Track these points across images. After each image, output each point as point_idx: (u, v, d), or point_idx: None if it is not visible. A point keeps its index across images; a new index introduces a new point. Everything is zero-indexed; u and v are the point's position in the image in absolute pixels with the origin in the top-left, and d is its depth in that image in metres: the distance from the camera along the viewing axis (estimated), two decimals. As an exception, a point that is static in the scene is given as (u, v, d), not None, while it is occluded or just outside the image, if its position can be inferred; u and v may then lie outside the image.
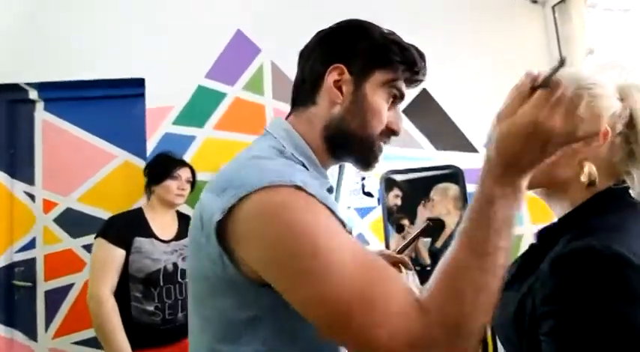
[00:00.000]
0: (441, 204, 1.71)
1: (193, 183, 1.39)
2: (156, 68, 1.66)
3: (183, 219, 1.37)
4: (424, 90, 1.72)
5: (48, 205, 1.70)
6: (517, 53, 1.68)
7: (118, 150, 1.72)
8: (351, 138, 0.50)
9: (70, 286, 1.64)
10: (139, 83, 1.66)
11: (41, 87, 1.68)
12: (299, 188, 0.39)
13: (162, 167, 1.33)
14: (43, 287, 1.66)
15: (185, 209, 1.45)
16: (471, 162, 1.65)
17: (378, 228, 1.68)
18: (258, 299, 0.42)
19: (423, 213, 1.67)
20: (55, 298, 1.65)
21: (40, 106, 1.74)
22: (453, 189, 1.63)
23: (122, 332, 1.12)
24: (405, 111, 1.71)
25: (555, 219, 0.52)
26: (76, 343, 1.61)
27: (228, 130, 1.67)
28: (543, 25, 1.76)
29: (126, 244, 1.20)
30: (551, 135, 0.35)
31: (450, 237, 1.74)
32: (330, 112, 0.50)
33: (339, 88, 0.49)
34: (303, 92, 0.52)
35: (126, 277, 1.20)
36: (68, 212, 1.69)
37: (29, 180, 1.70)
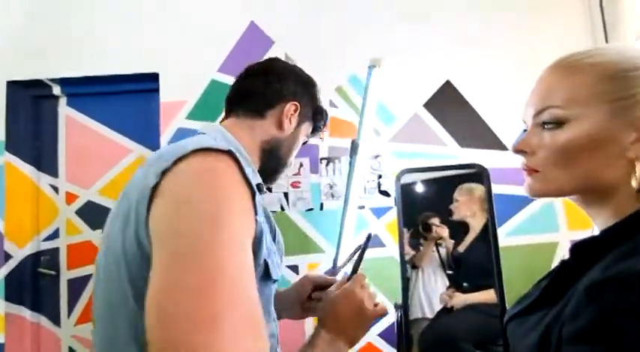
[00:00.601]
0: (466, 205, 1.57)
1: None
2: (170, 63, 1.65)
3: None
4: (447, 83, 1.59)
5: (70, 197, 1.75)
6: (556, 40, 1.49)
7: (134, 145, 1.74)
8: (276, 158, 0.63)
9: (90, 276, 1.70)
10: (154, 78, 1.65)
11: (63, 82, 1.72)
12: (231, 154, 0.41)
13: None
14: (66, 275, 1.73)
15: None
16: (499, 161, 1.51)
17: (395, 229, 1.59)
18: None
19: (437, 221, 1.55)
20: (77, 286, 1.71)
21: (63, 102, 1.79)
22: (478, 189, 1.50)
23: None
24: (426, 104, 1.59)
25: (596, 231, 0.42)
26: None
27: (240, 125, 1.63)
28: (586, 9, 1.56)
29: None
30: (362, 305, 0.55)
31: (475, 241, 1.61)
32: (273, 132, 0.61)
33: (289, 120, 0.61)
34: (252, 104, 0.61)
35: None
36: (88, 204, 1.74)
37: (53, 172, 1.76)
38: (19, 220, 1.69)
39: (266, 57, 1.64)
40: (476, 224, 1.57)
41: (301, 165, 1.63)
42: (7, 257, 1.65)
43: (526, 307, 0.41)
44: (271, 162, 0.62)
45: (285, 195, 1.62)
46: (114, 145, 1.74)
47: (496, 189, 1.52)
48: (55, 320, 1.71)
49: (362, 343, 1.55)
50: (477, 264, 1.56)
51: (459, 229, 1.56)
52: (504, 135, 1.55)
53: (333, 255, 1.45)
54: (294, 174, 1.63)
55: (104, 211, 1.70)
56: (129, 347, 0.39)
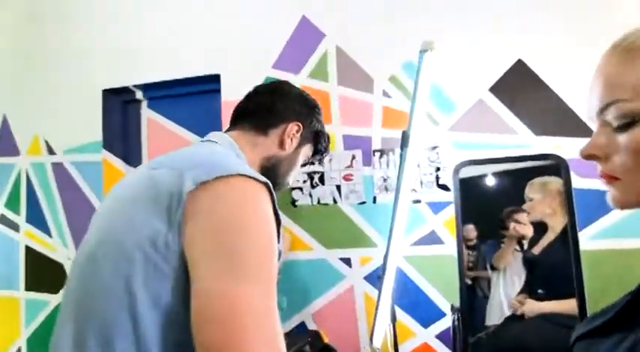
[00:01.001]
0: (543, 203, 1.38)
1: None
2: (229, 63, 1.75)
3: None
4: (519, 62, 1.39)
5: (152, 188, 2.00)
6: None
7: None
8: (275, 175, 0.65)
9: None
10: (216, 79, 1.77)
11: (144, 88, 1.96)
12: (267, 186, 0.47)
13: None
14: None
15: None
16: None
17: (454, 226, 1.48)
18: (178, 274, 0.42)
19: (522, 218, 1.38)
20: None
21: (144, 105, 2.04)
22: (553, 182, 1.30)
23: None
24: (493, 88, 1.43)
25: None
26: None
27: (294, 120, 1.67)
28: None
29: None
30: None
31: (554, 243, 1.40)
32: (274, 150, 0.65)
33: (291, 139, 0.66)
34: (257, 121, 0.66)
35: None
36: (166, 195, 1.97)
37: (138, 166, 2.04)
38: (115, 207, 1.99)
39: (318, 50, 1.67)
40: (555, 223, 1.36)
41: (354, 157, 1.61)
42: (107, 238, 1.96)
43: (599, 327, 0.35)
44: (269, 179, 0.57)
45: (338, 187, 1.62)
46: (185, 142, 1.93)
47: (579, 183, 1.31)
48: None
49: (417, 343, 1.49)
50: (554, 268, 1.36)
51: (535, 227, 1.38)
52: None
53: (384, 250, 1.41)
54: (346, 167, 1.61)
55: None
56: (122, 321, 0.41)
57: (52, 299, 2.02)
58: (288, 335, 1.50)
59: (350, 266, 1.59)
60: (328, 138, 0.71)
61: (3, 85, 2.19)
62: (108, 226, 0.48)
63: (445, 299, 1.46)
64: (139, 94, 1.99)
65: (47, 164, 2.05)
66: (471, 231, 1.50)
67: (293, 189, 1.65)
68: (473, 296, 1.43)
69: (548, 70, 1.37)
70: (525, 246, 1.38)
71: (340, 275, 1.59)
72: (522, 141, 1.41)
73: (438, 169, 1.52)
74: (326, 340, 1.45)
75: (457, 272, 1.32)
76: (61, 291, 2.01)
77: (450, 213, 1.47)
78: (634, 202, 0.34)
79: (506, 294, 1.41)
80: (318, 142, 0.70)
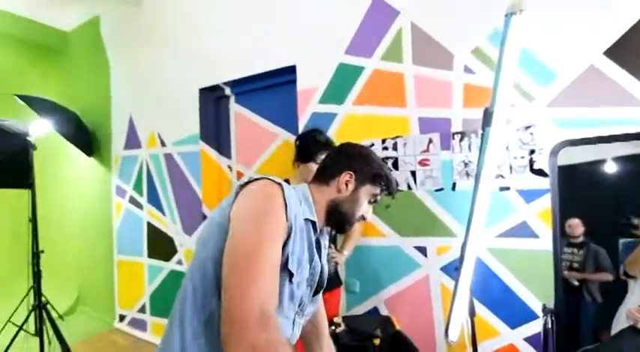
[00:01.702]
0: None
1: None
2: (303, 54, 1.80)
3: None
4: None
5: (239, 174, 2.22)
6: None
7: (280, 130, 2.02)
8: (342, 213, 0.80)
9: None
10: (292, 70, 1.85)
11: (231, 84, 2.16)
12: (280, 185, 0.69)
13: (309, 149, 1.40)
14: (238, 235, 2.22)
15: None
16: None
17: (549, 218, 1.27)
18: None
19: None
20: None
21: (232, 100, 2.25)
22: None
23: None
24: (609, 51, 1.16)
25: None
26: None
27: (366, 104, 1.63)
28: None
29: None
30: None
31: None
32: (334, 195, 0.81)
33: (346, 185, 0.80)
34: (325, 176, 0.82)
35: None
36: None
37: (229, 155, 2.27)
38: (210, 191, 2.27)
39: (392, 30, 1.59)
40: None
41: (430, 141, 1.50)
42: (204, 217, 2.26)
43: None
44: (335, 217, 0.80)
45: (413, 173, 1.54)
46: (266, 132, 2.08)
47: None
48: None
49: (502, 343, 1.35)
50: None
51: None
52: None
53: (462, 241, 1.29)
54: (422, 151, 1.52)
55: (261, 186, 2.09)
56: (211, 273, 0.66)
57: (166, 266, 2.43)
58: (360, 318, 1.52)
59: (425, 256, 1.51)
60: (388, 178, 0.84)
61: (128, 91, 2.67)
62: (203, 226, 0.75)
63: (538, 299, 1.28)
64: (227, 90, 2.21)
65: (160, 155, 2.45)
66: (577, 226, 1.27)
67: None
68: (575, 301, 1.21)
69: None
70: None
71: (415, 264, 1.53)
72: (653, 114, 1.11)
73: (532, 152, 1.32)
74: (398, 326, 1.42)
75: (552, 270, 1.13)
76: (173, 259, 2.40)
77: (546, 202, 1.27)
78: None
79: (634, 303, 1.15)
80: (376, 182, 0.83)
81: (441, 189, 1.48)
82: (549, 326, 1.08)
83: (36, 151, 2.15)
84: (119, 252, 2.74)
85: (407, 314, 1.53)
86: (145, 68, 2.55)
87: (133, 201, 2.63)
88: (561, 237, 1.17)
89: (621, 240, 1.16)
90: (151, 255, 2.53)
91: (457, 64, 1.42)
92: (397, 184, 0.89)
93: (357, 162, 0.82)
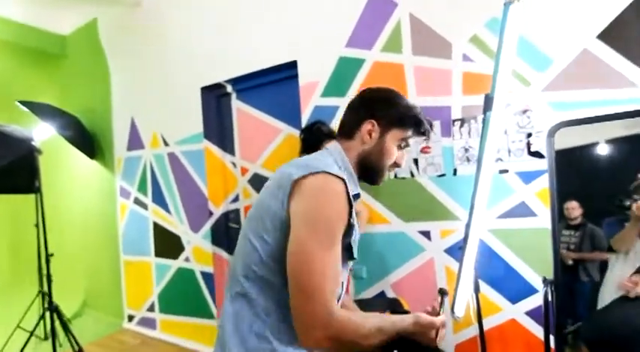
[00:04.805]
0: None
1: None
2: (304, 49, 1.82)
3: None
4: (639, -2, 1.13)
5: (243, 170, 2.23)
6: None
7: (283, 125, 2.03)
8: (370, 166, 0.77)
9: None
10: (293, 65, 1.86)
11: (233, 82, 2.17)
12: (342, 180, 0.66)
13: (314, 140, 1.40)
14: (244, 229, 2.23)
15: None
16: None
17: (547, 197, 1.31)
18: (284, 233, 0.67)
19: None
20: (252, 238, 2.19)
21: (234, 97, 2.26)
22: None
23: None
24: (603, 34, 1.20)
25: None
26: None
27: (367, 96, 1.65)
28: None
29: None
30: (428, 334, 0.72)
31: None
32: (360, 148, 0.77)
33: (370, 135, 0.76)
34: (346, 130, 0.78)
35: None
36: (255, 175, 2.17)
37: (232, 152, 2.28)
38: (215, 188, 2.28)
39: (391, 22, 1.62)
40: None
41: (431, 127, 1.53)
42: (210, 214, 2.26)
43: None
44: (366, 170, 0.78)
45: (415, 161, 1.57)
46: (269, 127, 2.09)
47: None
48: (241, 261, 2.25)
49: (504, 318, 1.38)
50: None
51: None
52: None
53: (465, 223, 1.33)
54: (424, 139, 1.55)
55: (265, 180, 2.09)
56: (255, 263, 0.68)
57: (173, 264, 2.44)
58: (370, 301, 1.55)
59: (429, 239, 1.54)
60: (418, 118, 0.76)
61: (130, 93, 2.67)
62: (255, 205, 0.74)
63: (537, 274, 1.32)
64: (229, 88, 2.22)
65: (164, 154, 2.45)
66: (574, 209, 1.30)
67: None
68: (573, 280, 1.25)
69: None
70: None
71: (419, 248, 1.56)
72: (644, 93, 1.15)
73: (529, 135, 1.35)
74: (406, 307, 1.45)
75: (551, 246, 1.17)
76: (180, 257, 2.41)
77: (544, 183, 1.30)
78: None
79: (624, 276, 1.19)
80: (404, 125, 0.76)
81: (443, 175, 1.51)
82: (549, 297, 1.11)
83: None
84: (125, 253, 2.73)
85: (414, 296, 1.56)
86: (145, 69, 2.55)
87: (137, 201, 2.62)
88: (559, 217, 1.20)
89: (606, 219, 1.20)
90: (158, 254, 2.53)
91: (455, 52, 1.45)
92: (431, 125, 0.81)
93: (379, 107, 0.76)
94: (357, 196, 0.74)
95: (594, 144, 1.19)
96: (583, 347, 1.26)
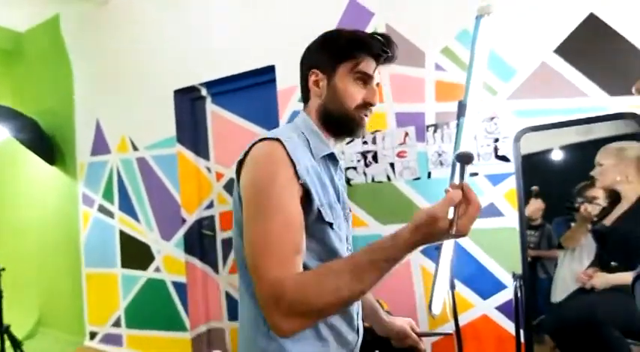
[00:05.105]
0: (615, 169, 1.25)
1: None
2: (283, 53, 1.82)
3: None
4: (591, 17, 1.26)
5: (219, 175, 2.17)
6: None
7: (260, 129, 2.02)
8: (333, 116, 0.68)
9: (235, 237, 2.09)
10: (271, 70, 1.86)
11: (208, 85, 2.12)
12: (280, 142, 0.59)
13: None
14: (220, 236, 2.17)
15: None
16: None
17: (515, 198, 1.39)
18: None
19: (594, 194, 1.26)
20: (228, 245, 2.13)
21: (209, 100, 2.21)
22: (631, 148, 1.16)
23: None
24: (559, 49, 1.31)
25: None
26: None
27: (345, 102, 1.69)
28: None
29: None
30: (437, 229, 0.52)
31: (629, 213, 1.26)
32: (316, 103, 0.69)
33: (317, 85, 0.69)
34: (302, 96, 0.74)
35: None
36: (232, 181, 2.12)
37: (207, 157, 2.22)
38: (189, 194, 2.20)
39: (368, 30, 1.67)
40: (629, 192, 1.23)
41: (407, 134, 1.59)
42: (183, 221, 2.18)
43: None
44: (332, 123, 0.69)
45: (392, 165, 1.62)
46: (246, 132, 2.06)
47: (668, 143, 1.15)
48: (215, 269, 2.18)
49: (476, 314, 1.44)
50: (628, 240, 1.23)
51: (606, 197, 1.25)
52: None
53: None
54: (399, 144, 1.60)
55: (242, 186, 2.06)
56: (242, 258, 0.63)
57: (142, 275, 2.31)
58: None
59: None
60: (361, 39, 0.65)
61: (95, 95, 2.52)
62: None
63: (506, 271, 1.39)
64: (203, 91, 2.17)
65: (133, 159, 2.33)
66: (536, 210, 1.41)
67: (347, 168, 1.68)
68: (535, 277, 1.35)
69: (625, 20, 1.22)
70: (595, 219, 1.27)
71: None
72: (595, 103, 1.27)
73: (496, 140, 1.44)
74: (385, 307, 1.47)
75: (519, 244, 1.25)
76: (150, 267, 2.28)
77: (511, 184, 1.39)
78: None
79: (573, 271, 1.31)
80: (347, 54, 0.65)
81: (418, 178, 1.56)
82: (519, 292, 1.18)
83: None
84: (87, 265, 2.55)
85: (391, 296, 1.58)
86: (113, 69, 2.43)
87: (102, 209, 2.47)
88: (527, 221, 1.29)
89: (555, 219, 1.31)
90: (125, 265, 2.39)
91: (429, 62, 1.52)
92: (388, 41, 0.67)
93: (314, 53, 0.70)
94: (331, 156, 0.68)
95: (551, 150, 1.29)
96: (547, 338, 1.35)
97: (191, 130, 2.21)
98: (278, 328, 0.52)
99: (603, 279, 1.21)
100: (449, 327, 1.44)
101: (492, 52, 1.39)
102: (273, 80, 1.86)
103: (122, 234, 2.39)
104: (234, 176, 0.65)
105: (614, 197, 1.25)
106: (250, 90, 2.02)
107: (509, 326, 1.38)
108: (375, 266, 0.53)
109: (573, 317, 1.29)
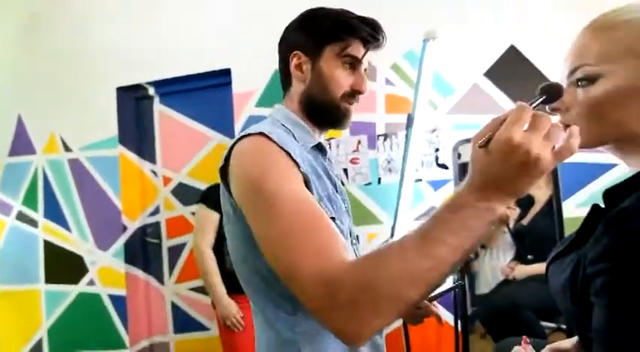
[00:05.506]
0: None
1: None
2: (239, 57, 1.81)
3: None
4: (511, 48, 1.49)
5: (166, 180, 2.05)
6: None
7: (213, 133, 1.96)
8: (317, 104, 0.61)
9: (184, 244, 1.98)
10: (227, 73, 1.83)
11: (156, 84, 2.01)
12: (264, 135, 0.51)
13: None
14: (166, 243, 2.04)
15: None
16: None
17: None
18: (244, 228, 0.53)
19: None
20: (176, 252, 2.01)
21: (156, 100, 2.09)
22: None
23: (218, 276, 1.35)
24: (487, 73, 1.52)
25: None
26: (192, 289, 1.96)
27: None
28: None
29: (220, 209, 1.39)
30: (528, 157, 0.34)
31: (540, 213, 1.51)
32: (300, 89, 0.62)
33: (301, 69, 0.61)
34: (282, 82, 0.65)
35: (221, 236, 1.39)
36: (180, 185, 2.02)
37: (153, 160, 2.08)
38: (131, 199, 2.03)
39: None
40: (541, 196, 1.47)
41: (359, 142, 1.68)
42: (124, 229, 2.01)
43: (563, 249, 0.43)
44: (316, 111, 0.61)
45: (345, 170, 1.70)
46: (197, 134, 1.99)
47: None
48: (160, 279, 2.04)
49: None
50: (541, 236, 1.47)
51: (522, 202, 1.49)
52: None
53: (391, 225, 1.50)
54: (353, 151, 1.69)
55: (193, 190, 1.97)
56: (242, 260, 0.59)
57: (73, 290, 2.06)
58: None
59: (358, 242, 1.66)
60: (348, 21, 0.58)
61: (17, 86, 2.21)
62: None
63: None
64: (151, 91, 2.04)
65: (64, 161, 2.09)
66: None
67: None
68: (468, 273, 1.53)
69: (539, 54, 1.46)
70: (513, 222, 1.51)
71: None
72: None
73: (437, 150, 1.61)
74: None
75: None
76: (82, 281, 2.05)
77: (450, 189, 1.55)
78: (584, 144, 0.40)
79: (493, 266, 1.53)
80: (335, 34, 0.58)
81: (369, 184, 1.66)
82: (455, 287, 1.33)
83: None
84: (1, 282, 2.20)
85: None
86: (42, 61, 2.16)
87: (22, 217, 2.16)
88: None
89: None
90: (50, 280, 2.11)
91: (380, 76, 1.64)
92: (376, 25, 0.61)
93: (297, 32, 0.61)
94: (319, 147, 0.62)
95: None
96: (479, 326, 1.53)
97: (135, 131, 2.07)
98: (347, 333, 0.39)
99: (522, 271, 1.42)
100: (398, 321, 1.54)
101: (435, 72, 1.55)
102: (229, 83, 1.83)
103: (47, 244, 2.12)
104: (220, 181, 0.57)
105: (529, 200, 1.48)
106: (204, 92, 1.96)
107: (449, 317, 1.52)
108: (456, 232, 0.37)
109: (498, 305, 1.49)
